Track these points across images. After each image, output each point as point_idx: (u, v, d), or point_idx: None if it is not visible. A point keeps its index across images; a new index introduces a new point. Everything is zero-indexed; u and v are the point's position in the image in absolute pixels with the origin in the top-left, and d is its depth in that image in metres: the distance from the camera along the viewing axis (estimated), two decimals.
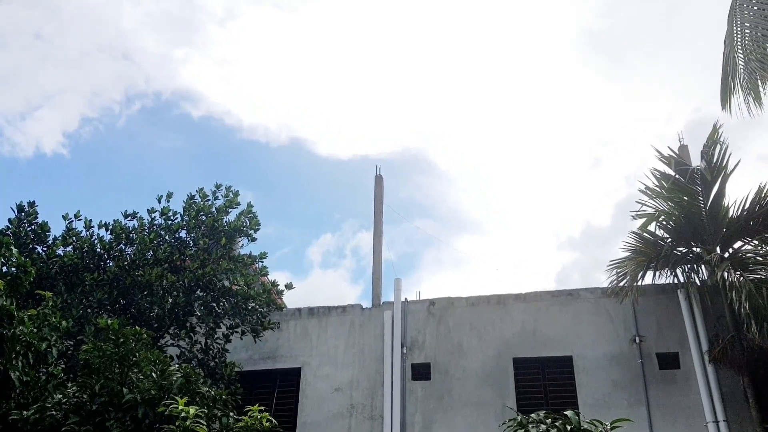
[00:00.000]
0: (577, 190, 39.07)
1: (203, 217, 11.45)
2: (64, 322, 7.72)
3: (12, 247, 7.36)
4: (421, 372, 11.94)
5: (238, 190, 11.83)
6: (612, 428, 5.32)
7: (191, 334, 10.83)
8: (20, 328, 6.99)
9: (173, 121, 37.87)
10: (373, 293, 13.40)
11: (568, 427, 5.31)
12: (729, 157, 10.91)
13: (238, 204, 11.80)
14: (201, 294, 10.98)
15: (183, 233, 11.43)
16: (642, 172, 11.53)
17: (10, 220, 10.62)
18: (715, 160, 10.97)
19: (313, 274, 40.15)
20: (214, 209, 11.63)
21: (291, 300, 12.74)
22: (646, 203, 11.54)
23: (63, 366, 8.79)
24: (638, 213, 11.59)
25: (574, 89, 38.79)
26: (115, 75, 37.07)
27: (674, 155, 11.37)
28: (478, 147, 41.12)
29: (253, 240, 11.75)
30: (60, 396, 7.03)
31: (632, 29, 38.14)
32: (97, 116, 35.41)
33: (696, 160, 11.44)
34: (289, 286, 11.59)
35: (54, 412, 6.83)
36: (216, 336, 11.07)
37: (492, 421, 11.04)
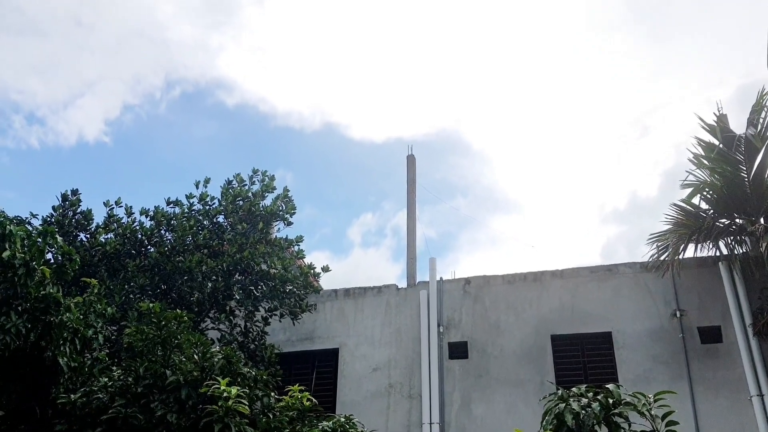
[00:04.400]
0: (623, 160, 38.34)
1: (240, 202, 11.61)
2: (109, 309, 7.90)
3: (57, 236, 7.50)
4: (458, 350, 11.95)
5: (274, 175, 12.00)
6: (655, 401, 5.28)
7: (231, 317, 11.00)
8: (67, 315, 7.14)
9: (209, 110, 38.28)
10: (408, 273, 13.45)
11: (611, 401, 5.28)
12: None
13: (274, 188, 11.93)
14: (239, 278, 11.14)
15: (221, 218, 11.61)
16: (690, 140, 11.26)
17: (54, 208, 10.88)
18: (759, 128, 10.71)
19: (353, 254, 40.45)
20: (250, 194, 11.77)
21: (332, 279, 12.88)
22: (693, 172, 11.33)
23: (107, 351, 8.99)
24: (686, 182, 11.36)
25: (618, 57, 37.94)
26: (154, 61, 37.53)
27: (715, 124, 11.12)
28: (514, 124, 40.70)
29: (290, 224, 11.90)
30: (106, 379, 7.20)
31: None
32: (139, 103, 35.93)
33: (741, 128, 11.16)
34: (325, 269, 11.71)
35: (100, 395, 7.00)
36: (255, 319, 11.23)
37: (531, 398, 11.02)
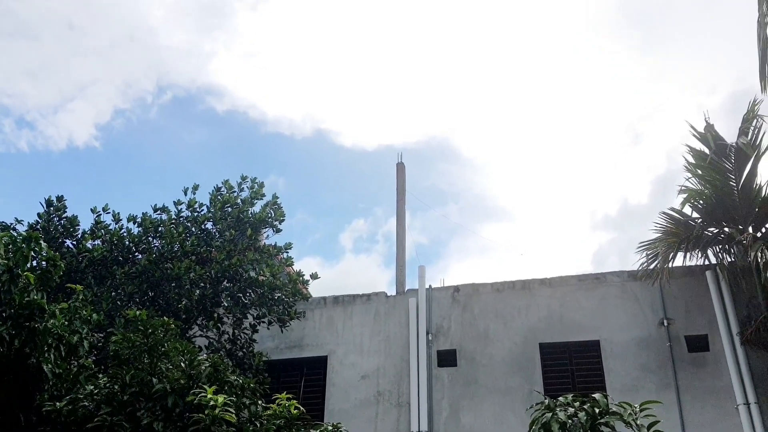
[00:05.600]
0: (615, 167, 38.48)
1: (229, 208, 11.56)
2: (95, 315, 7.85)
3: (41, 242, 7.45)
4: (447, 359, 11.94)
5: (263, 182, 11.97)
6: (641, 410, 5.28)
7: (219, 324, 10.96)
8: (51, 321, 7.09)
9: (199, 116, 38.23)
10: (397, 281, 13.43)
11: (597, 410, 5.29)
12: (763, 135, 10.76)
13: (263, 195, 11.90)
14: (228, 285, 11.10)
15: (209, 225, 11.56)
16: (681, 147, 11.31)
17: (39, 215, 10.80)
18: (750, 137, 10.79)
19: (345, 259, 40.44)
20: (239, 201, 11.73)
21: (322, 285, 12.79)
22: (688, 180, 11.37)
23: (94, 358, 8.93)
24: (684, 188, 11.37)
25: (610, 63, 38.06)
26: (146, 65, 37.46)
27: (705, 132, 11.20)
28: (505, 132, 40.87)
29: (278, 231, 11.86)
30: (92, 387, 7.14)
31: None
32: (130, 107, 35.81)
33: (730, 136, 11.22)
34: (314, 276, 11.68)
35: (86, 403, 6.95)
36: (243, 326, 11.19)
37: (519, 406, 11.02)
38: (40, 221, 10.74)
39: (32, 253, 7.31)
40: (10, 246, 7.15)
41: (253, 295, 11.13)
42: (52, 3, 34.71)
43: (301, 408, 7.51)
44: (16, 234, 8.40)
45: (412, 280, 13.31)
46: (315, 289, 12.92)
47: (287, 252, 11.72)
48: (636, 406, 5.36)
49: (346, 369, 12.24)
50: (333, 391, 12.09)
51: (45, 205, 10.93)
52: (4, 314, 6.96)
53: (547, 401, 5.55)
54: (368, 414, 11.72)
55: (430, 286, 12.67)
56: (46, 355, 7.09)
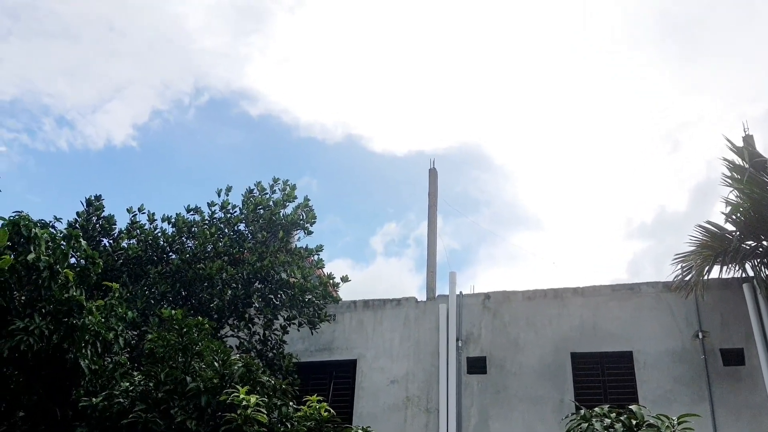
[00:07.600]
0: (652, 175, 37.89)
1: (261, 210, 11.66)
2: (129, 313, 7.95)
3: (81, 240, 7.58)
4: (476, 366, 11.87)
5: (295, 184, 12.02)
6: (679, 423, 5.20)
7: (250, 325, 11.03)
8: (89, 317, 7.20)
9: (233, 119, 38.56)
10: (428, 286, 13.40)
11: (634, 422, 5.21)
12: None
13: (295, 198, 11.97)
14: (259, 286, 11.17)
15: (242, 226, 11.66)
16: (720, 157, 11.06)
17: (78, 213, 10.96)
18: None
19: (375, 263, 40.45)
20: (271, 203, 11.81)
21: (353, 287, 12.81)
22: (730, 193, 11.13)
23: (128, 355, 9.04)
24: (728, 198, 11.16)
25: (650, 71, 37.50)
26: (184, 67, 37.90)
27: (743, 145, 11.00)
28: (537, 139, 40.51)
29: (310, 233, 11.92)
30: (127, 384, 7.23)
31: (711, 7, 36.67)
32: (167, 108, 36.21)
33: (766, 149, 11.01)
34: (345, 279, 11.69)
35: (121, 400, 7.03)
36: (274, 327, 11.25)
37: (549, 416, 10.92)
38: (78, 219, 10.90)
39: (72, 251, 7.43)
40: (51, 243, 7.27)
41: (283, 297, 11.18)
42: (93, 5, 35.31)
43: (331, 410, 7.51)
44: (55, 232, 8.56)
45: (442, 285, 13.28)
46: (345, 292, 12.96)
47: (318, 254, 11.76)
48: (674, 418, 5.28)
49: (375, 373, 12.24)
50: (362, 395, 12.10)
51: (85, 204, 11.09)
52: (44, 310, 7.09)
53: (583, 411, 5.49)
54: (397, 419, 11.70)
55: (460, 292, 12.62)
56: (83, 351, 7.20)
